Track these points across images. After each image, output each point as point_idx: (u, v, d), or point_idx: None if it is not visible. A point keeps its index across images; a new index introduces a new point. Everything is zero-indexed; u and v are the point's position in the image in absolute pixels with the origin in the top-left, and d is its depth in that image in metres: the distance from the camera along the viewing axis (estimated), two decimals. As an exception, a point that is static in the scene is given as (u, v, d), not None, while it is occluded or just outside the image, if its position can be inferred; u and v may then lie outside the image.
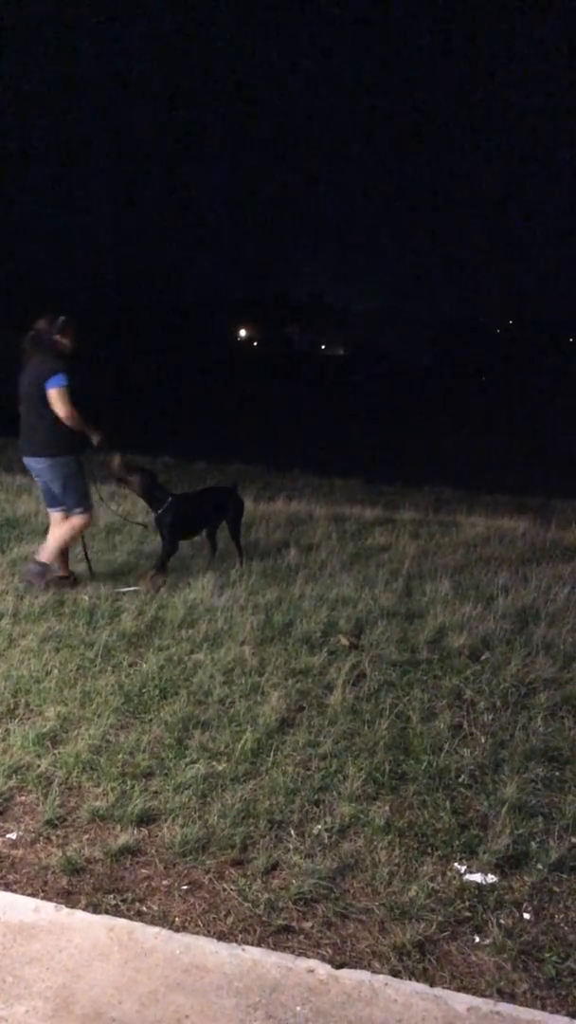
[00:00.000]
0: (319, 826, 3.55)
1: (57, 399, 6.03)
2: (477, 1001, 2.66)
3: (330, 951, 2.91)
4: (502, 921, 3.06)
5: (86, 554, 6.61)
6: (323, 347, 76.14)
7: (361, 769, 3.92)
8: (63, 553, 6.39)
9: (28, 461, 6.32)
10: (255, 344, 72.54)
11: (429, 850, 3.43)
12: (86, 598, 5.97)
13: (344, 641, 5.39)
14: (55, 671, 4.84)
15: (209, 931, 2.94)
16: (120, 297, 50.85)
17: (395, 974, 2.78)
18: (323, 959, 2.85)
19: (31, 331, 6.20)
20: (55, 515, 6.40)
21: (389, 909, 3.09)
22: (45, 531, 7.72)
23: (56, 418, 6.07)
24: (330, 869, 3.28)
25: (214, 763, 3.97)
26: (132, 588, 6.25)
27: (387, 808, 3.69)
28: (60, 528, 6.34)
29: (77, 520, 6.35)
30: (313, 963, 2.79)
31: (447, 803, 3.72)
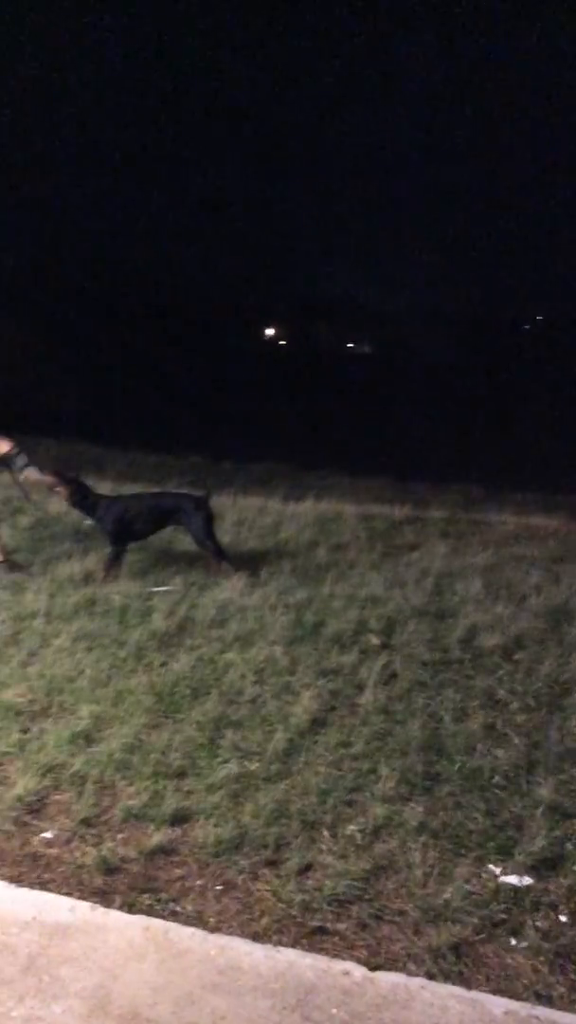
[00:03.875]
0: (352, 827, 3.53)
1: None
2: (514, 1005, 2.64)
3: (365, 953, 2.90)
4: (538, 924, 3.04)
5: None
6: (350, 345, 75.87)
7: (394, 770, 3.90)
8: None
9: None
10: (282, 343, 72.43)
11: (464, 852, 3.41)
12: (117, 597, 6.00)
13: (375, 641, 5.37)
14: (88, 670, 4.86)
15: (243, 932, 2.94)
16: (144, 295, 50.99)
17: (431, 977, 2.77)
18: (358, 961, 2.83)
19: None
20: None
21: (424, 911, 3.08)
22: (75, 532, 7.77)
23: None
24: (364, 870, 3.27)
25: (246, 763, 3.97)
26: (164, 588, 6.27)
27: (420, 809, 3.66)
28: None
29: None
30: (348, 965, 2.78)
31: (481, 804, 3.70)
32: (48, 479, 6.64)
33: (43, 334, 32.11)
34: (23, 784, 3.72)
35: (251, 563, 6.94)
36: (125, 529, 6.64)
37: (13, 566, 6.65)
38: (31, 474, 6.58)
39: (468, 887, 3.20)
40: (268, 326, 73.49)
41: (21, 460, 6.49)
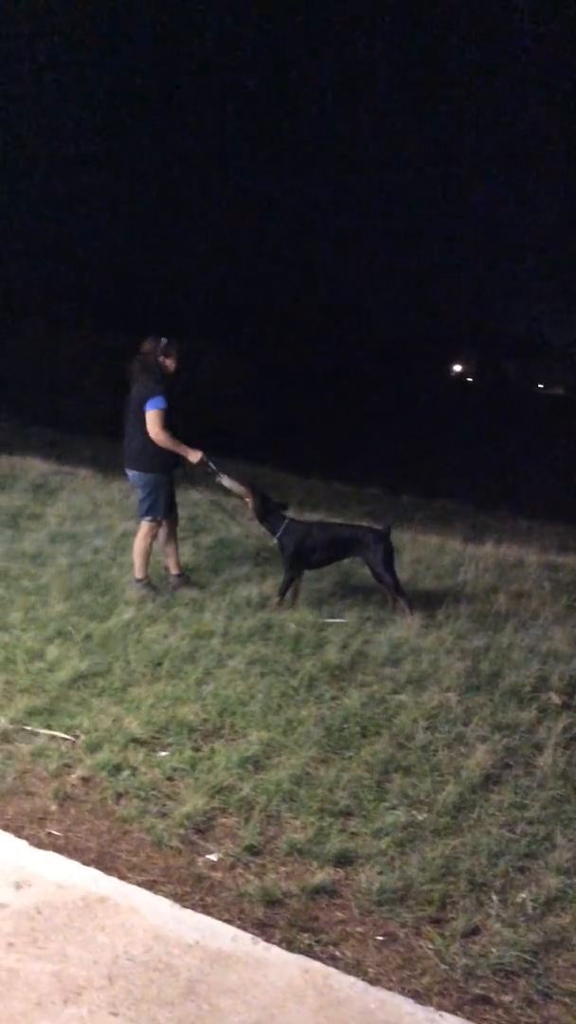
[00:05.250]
0: (523, 895, 3.37)
1: (151, 421, 6.47)
2: None
3: (529, 1032, 2.75)
4: None
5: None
6: (541, 385, 74.02)
7: (571, 840, 3.70)
8: (142, 557, 6.71)
9: (128, 472, 6.83)
10: (469, 380, 71.60)
11: None
12: (292, 625, 6.03)
13: (556, 699, 5.13)
14: (259, 695, 4.90)
15: (403, 988, 2.85)
16: (337, 327, 51.91)
17: (602, 1072, 2.58)
18: (523, 1040, 2.69)
19: (138, 353, 6.67)
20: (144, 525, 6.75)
21: (597, 997, 2.88)
22: (255, 555, 7.88)
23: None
24: (533, 943, 3.10)
25: (414, 812, 3.87)
26: (338, 620, 6.25)
27: (598, 886, 3.45)
28: (138, 536, 6.75)
29: (144, 527, 6.71)
30: (513, 1044, 2.63)
31: None
32: (238, 487, 6.82)
33: (235, 363, 33.29)
34: (192, 803, 3.78)
35: (428, 603, 6.82)
36: (304, 554, 6.68)
37: (187, 582, 6.83)
38: (223, 481, 6.80)
39: None
40: (456, 362, 72.88)
41: (211, 467, 6.73)
